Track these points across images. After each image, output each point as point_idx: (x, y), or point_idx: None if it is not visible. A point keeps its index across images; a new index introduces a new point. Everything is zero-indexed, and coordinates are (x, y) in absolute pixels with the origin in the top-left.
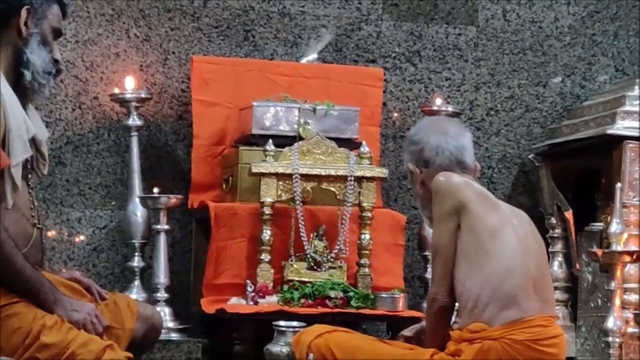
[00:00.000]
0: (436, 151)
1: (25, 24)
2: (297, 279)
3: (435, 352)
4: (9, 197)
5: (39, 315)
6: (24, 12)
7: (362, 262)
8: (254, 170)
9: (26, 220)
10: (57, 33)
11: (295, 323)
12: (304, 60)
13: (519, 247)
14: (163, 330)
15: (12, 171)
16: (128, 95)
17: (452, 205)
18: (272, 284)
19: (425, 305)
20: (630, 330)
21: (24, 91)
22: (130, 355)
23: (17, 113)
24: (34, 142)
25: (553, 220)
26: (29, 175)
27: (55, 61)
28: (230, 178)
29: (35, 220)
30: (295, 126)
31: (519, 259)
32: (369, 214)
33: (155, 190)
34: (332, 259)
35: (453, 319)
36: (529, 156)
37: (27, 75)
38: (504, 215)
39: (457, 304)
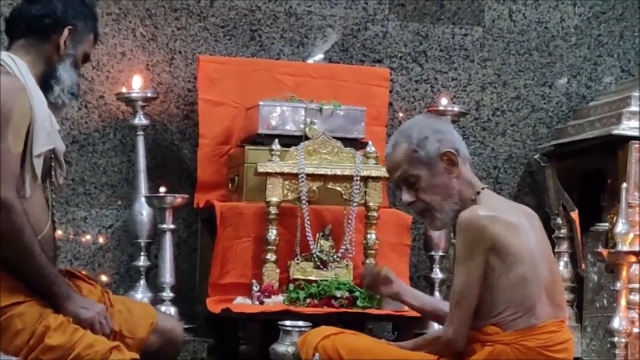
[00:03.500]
0: (458, 139)
1: (65, 42)
2: (302, 278)
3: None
4: (27, 186)
5: (43, 316)
6: (66, 31)
7: (367, 261)
8: (260, 169)
9: (41, 217)
10: (86, 59)
11: (301, 323)
12: (310, 60)
13: (535, 253)
14: None
15: (33, 161)
16: (134, 95)
17: (483, 245)
18: (277, 284)
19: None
20: (635, 330)
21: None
22: (137, 356)
23: (42, 107)
24: (54, 151)
25: (559, 221)
26: (52, 176)
27: (77, 85)
28: (236, 177)
29: (49, 220)
30: (302, 126)
31: (535, 265)
32: (375, 214)
33: (161, 189)
34: (338, 259)
35: None
36: (535, 156)
37: (56, 90)
38: (521, 224)
39: None
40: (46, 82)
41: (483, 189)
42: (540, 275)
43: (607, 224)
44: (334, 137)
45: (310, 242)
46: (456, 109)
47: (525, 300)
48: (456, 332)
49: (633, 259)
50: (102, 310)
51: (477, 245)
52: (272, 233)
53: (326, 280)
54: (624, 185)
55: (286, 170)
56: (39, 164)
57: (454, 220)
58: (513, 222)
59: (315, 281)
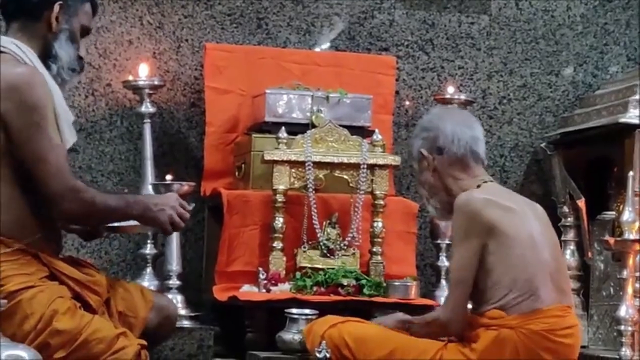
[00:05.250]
0: (452, 139)
1: (57, 18)
2: (309, 266)
3: (450, 340)
4: None
5: (52, 301)
6: (56, 7)
7: (374, 250)
8: (267, 157)
9: None
10: (86, 31)
11: (307, 311)
12: (317, 49)
13: (536, 238)
14: None
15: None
16: (141, 83)
17: (478, 228)
18: (284, 272)
19: (437, 295)
20: None
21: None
22: (144, 342)
23: (61, 99)
24: None
25: (565, 209)
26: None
27: (80, 58)
28: (243, 165)
29: None
30: (308, 114)
31: (536, 250)
32: (382, 202)
33: (168, 177)
34: (344, 247)
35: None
36: (541, 145)
37: (53, 69)
38: (520, 209)
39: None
40: (44, 61)
41: (485, 182)
42: (542, 259)
43: (613, 213)
44: (340, 125)
45: (317, 230)
46: (462, 97)
47: (528, 284)
48: (451, 315)
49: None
50: (175, 199)
51: (472, 227)
52: (279, 221)
53: (333, 268)
54: (631, 173)
55: (293, 158)
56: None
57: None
58: (509, 206)
59: (322, 269)
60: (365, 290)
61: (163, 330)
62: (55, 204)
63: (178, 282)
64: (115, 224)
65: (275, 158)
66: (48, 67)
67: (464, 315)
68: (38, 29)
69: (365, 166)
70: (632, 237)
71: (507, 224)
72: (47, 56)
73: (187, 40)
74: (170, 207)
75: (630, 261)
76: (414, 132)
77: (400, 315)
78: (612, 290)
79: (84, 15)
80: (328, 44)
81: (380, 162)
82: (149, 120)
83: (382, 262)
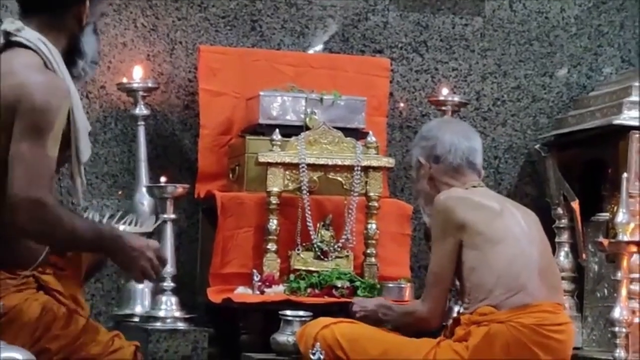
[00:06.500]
0: (449, 148)
1: (87, 13)
2: (303, 268)
3: (442, 339)
4: (79, 193)
5: (48, 308)
6: (87, 2)
7: (368, 251)
8: (261, 159)
9: None
10: (102, 15)
11: (301, 312)
12: (311, 51)
13: (521, 236)
14: (169, 320)
15: (81, 168)
16: (135, 85)
17: (451, 226)
18: (278, 274)
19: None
20: (636, 320)
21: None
22: (137, 343)
23: (81, 109)
24: None
25: (559, 211)
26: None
27: (98, 52)
28: (237, 167)
29: None
30: (302, 116)
31: (522, 247)
32: (376, 204)
33: (162, 179)
34: (338, 249)
35: (458, 308)
36: (536, 146)
37: (80, 64)
38: (506, 208)
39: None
40: (70, 57)
41: (474, 186)
42: (529, 257)
43: (607, 214)
44: (334, 127)
45: (311, 232)
46: (456, 99)
47: (515, 280)
48: (430, 310)
49: (634, 248)
50: (154, 250)
51: (447, 224)
52: (273, 223)
53: (327, 270)
54: (625, 175)
55: (287, 160)
56: (82, 172)
57: None
58: (490, 205)
59: (316, 271)
60: (359, 292)
61: None
62: (11, 211)
63: (172, 284)
64: None
65: (270, 160)
66: (74, 63)
67: (442, 311)
68: (66, 24)
69: (359, 168)
70: (626, 238)
71: (480, 220)
72: (74, 52)
73: (181, 42)
74: (147, 258)
75: (625, 263)
76: (413, 140)
77: (381, 300)
78: (606, 291)
79: (104, 2)
80: (322, 46)
81: (374, 164)
82: (143, 123)
83: (376, 264)
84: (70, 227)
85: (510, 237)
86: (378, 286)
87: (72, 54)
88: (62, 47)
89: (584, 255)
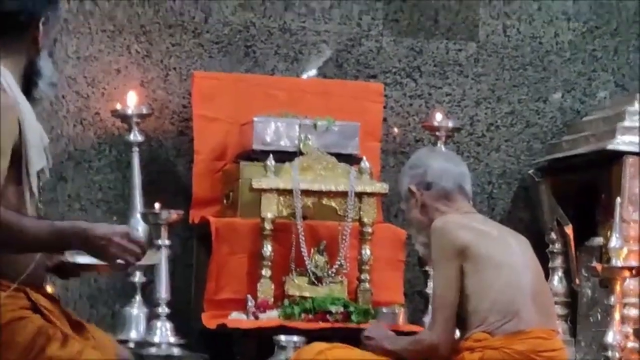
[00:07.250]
0: (440, 175)
1: (42, 35)
2: (297, 294)
3: None
4: (28, 204)
5: (44, 329)
6: (41, 25)
7: (362, 277)
8: (255, 186)
9: None
10: (54, 41)
11: (295, 338)
12: (304, 76)
13: (516, 262)
14: (164, 345)
15: (30, 180)
16: (129, 111)
17: (452, 249)
18: (272, 299)
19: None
20: (630, 344)
21: (31, 102)
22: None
23: (32, 122)
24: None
25: (553, 235)
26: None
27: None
28: (231, 193)
29: None
30: (296, 141)
31: (517, 273)
32: (370, 229)
33: (157, 205)
34: (332, 274)
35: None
36: (529, 171)
37: (41, 86)
38: (500, 236)
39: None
40: (29, 79)
41: (468, 213)
42: (522, 283)
43: (601, 239)
44: (328, 153)
45: (305, 258)
46: (450, 124)
47: (507, 306)
48: (439, 337)
49: (627, 273)
50: (123, 235)
51: (446, 249)
52: (267, 249)
53: (321, 296)
54: (618, 200)
55: (281, 186)
56: (34, 183)
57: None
58: (487, 230)
59: (310, 297)
60: (353, 317)
61: None
62: None
63: (167, 310)
64: (81, 262)
65: (264, 186)
66: (35, 84)
67: (452, 337)
68: (23, 48)
69: (353, 194)
70: (619, 263)
71: (481, 245)
72: (32, 74)
73: (175, 68)
74: (116, 244)
75: (618, 287)
76: (401, 171)
77: (390, 333)
78: (599, 316)
79: (56, 27)
80: (316, 72)
81: (368, 189)
82: (137, 149)
83: (369, 290)
84: (18, 228)
85: (506, 263)
86: (372, 311)
87: (30, 76)
88: (20, 70)
89: (577, 280)
